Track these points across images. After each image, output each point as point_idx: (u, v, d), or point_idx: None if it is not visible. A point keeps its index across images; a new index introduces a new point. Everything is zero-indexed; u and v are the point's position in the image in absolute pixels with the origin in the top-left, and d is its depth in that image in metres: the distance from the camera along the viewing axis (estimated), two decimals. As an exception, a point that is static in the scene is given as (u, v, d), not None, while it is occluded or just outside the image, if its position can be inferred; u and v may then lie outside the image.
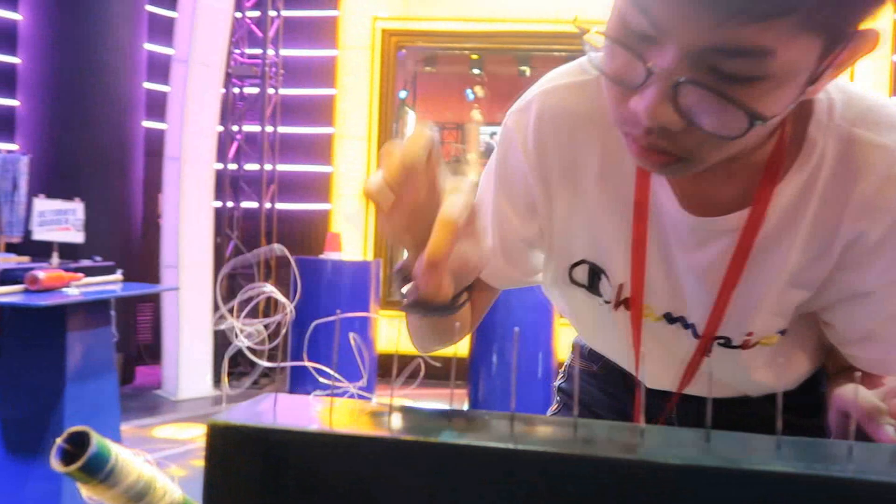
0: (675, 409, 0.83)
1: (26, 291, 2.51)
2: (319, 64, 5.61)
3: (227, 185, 5.40)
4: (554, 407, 1.02)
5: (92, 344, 2.62)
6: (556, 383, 1.04)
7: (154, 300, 5.39)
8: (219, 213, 5.27)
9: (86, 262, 4.64)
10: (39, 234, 4.54)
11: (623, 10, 0.53)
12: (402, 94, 7.64)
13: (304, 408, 0.56)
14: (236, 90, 5.45)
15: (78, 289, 2.62)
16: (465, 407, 4.21)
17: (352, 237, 5.31)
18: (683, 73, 0.51)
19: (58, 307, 2.47)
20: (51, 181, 4.78)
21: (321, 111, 5.59)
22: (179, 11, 4.87)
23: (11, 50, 5.14)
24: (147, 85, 5.35)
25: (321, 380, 0.56)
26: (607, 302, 0.78)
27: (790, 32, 0.48)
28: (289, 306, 0.59)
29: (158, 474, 0.47)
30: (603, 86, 0.59)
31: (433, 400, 4.86)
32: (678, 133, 0.53)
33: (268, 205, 5.53)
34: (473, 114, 8.59)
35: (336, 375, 0.52)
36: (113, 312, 3.10)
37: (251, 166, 5.53)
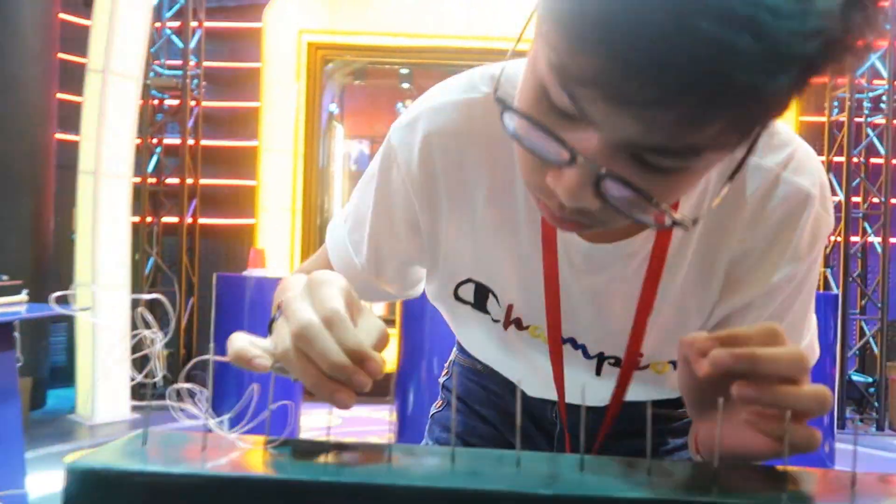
0: (560, 412, 0.84)
1: (-82, 315, 2.36)
2: (243, 76, 5.52)
3: (146, 199, 5.23)
4: (438, 403, 1.01)
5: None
6: (441, 380, 1.03)
7: (68, 320, 5.16)
8: (137, 229, 5.09)
9: (-8, 281, 4.41)
10: (-60, 252, 4.30)
11: (544, 81, 0.49)
12: (333, 107, 7.59)
13: (177, 446, 0.53)
14: (156, 102, 5.30)
15: (-24, 311, 2.48)
16: (394, 420, 4.18)
17: (277, 253, 5.21)
18: (606, 164, 0.48)
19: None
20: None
21: (245, 124, 5.49)
22: (95, 21, 4.70)
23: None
24: (60, 95, 5.14)
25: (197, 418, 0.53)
26: (496, 321, 0.78)
27: (721, 132, 0.46)
28: (159, 338, 0.56)
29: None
30: (515, 149, 0.56)
31: (364, 415, 4.81)
32: (593, 209, 0.52)
33: (189, 220, 5.38)
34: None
35: (194, 411, 0.50)
36: (17, 335, 2.94)
37: (172, 180, 5.38)
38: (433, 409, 1.02)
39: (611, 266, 0.70)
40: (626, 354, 0.74)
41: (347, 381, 0.50)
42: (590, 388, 0.80)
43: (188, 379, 0.53)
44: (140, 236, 5.15)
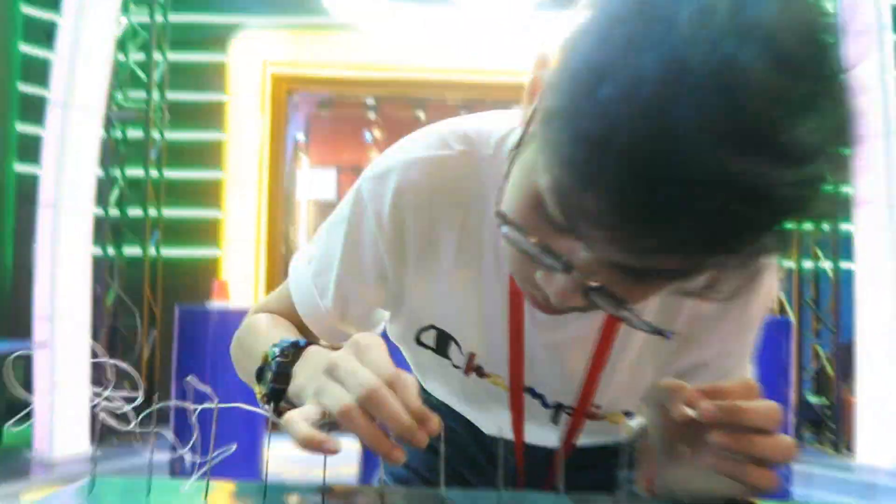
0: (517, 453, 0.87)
1: None
2: (207, 108, 5.52)
3: (107, 232, 5.18)
4: None
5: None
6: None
7: (26, 354, 5.06)
8: (98, 262, 5.03)
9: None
10: None
11: (542, 194, 0.49)
12: (299, 136, 7.61)
13: (123, 494, 0.56)
14: (118, 134, 5.28)
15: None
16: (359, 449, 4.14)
17: (241, 285, 5.19)
18: (596, 278, 0.51)
19: None
20: None
21: (209, 155, 5.48)
22: (57, 53, 4.69)
23: None
24: (20, 127, 5.10)
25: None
26: (457, 367, 0.81)
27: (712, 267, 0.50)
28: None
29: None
30: (506, 252, 0.58)
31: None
32: (579, 306, 0.55)
33: (152, 251, 5.34)
34: (372, 156, 8.67)
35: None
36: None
37: (134, 211, 5.34)
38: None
39: (573, 323, 0.73)
40: (576, 407, 0.79)
41: (410, 440, 0.55)
42: (547, 433, 0.83)
43: (149, 418, 0.56)
44: (101, 269, 5.09)
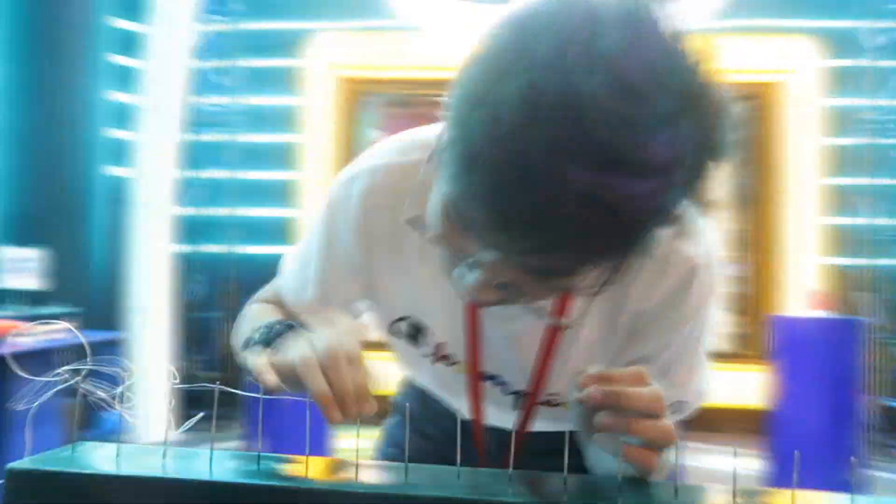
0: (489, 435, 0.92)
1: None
2: (280, 111, 5.75)
3: (190, 230, 5.49)
4: (393, 418, 1.12)
5: (32, 392, 2.68)
6: (393, 399, 1.12)
7: (123, 343, 5.42)
8: (181, 259, 5.34)
9: (49, 309, 4.69)
10: (4, 282, 4.60)
11: (446, 204, 0.57)
12: (373, 134, 7.81)
13: (96, 453, 0.66)
14: (199, 137, 5.58)
15: (19, 338, 2.69)
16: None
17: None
18: (501, 274, 0.58)
19: (-1, 356, 2.54)
20: (14, 230, 4.85)
21: (282, 156, 5.71)
22: (140, 61, 5.01)
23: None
24: (111, 132, 5.46)
25: None
26: (426, 355, 0.87)
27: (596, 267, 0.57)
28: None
29: None
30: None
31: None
32: (495, 300, 0.63)
33: (231, 249, 5.62)
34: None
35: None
36: (59, 359, 3.13)
37: (214, 211, 5.63)
38: (384, 423, 1.13)
39: (523, 317, 0.78)
40: (529, 393, 0.84)
41: (346, 407, 0.63)
42: (508, 418, 0.88)
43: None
44: (185, 265, 5.40)
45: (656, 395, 0.60)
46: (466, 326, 0.82)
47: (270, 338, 0.74)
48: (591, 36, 0.48)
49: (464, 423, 0.97)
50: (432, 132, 0.81)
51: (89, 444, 0.66)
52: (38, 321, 3.15)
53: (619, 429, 0.59)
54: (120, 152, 5.29)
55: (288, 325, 0.76)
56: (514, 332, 0.82)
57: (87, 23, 5.27)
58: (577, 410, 0.65)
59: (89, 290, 5.16)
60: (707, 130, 0.51)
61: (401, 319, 0.87)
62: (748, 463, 4.22)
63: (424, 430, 1.04)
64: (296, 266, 0.92)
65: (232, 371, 5.49)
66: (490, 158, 0.50)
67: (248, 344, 0.77)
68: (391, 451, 1.08)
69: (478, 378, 0.85)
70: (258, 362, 0.65)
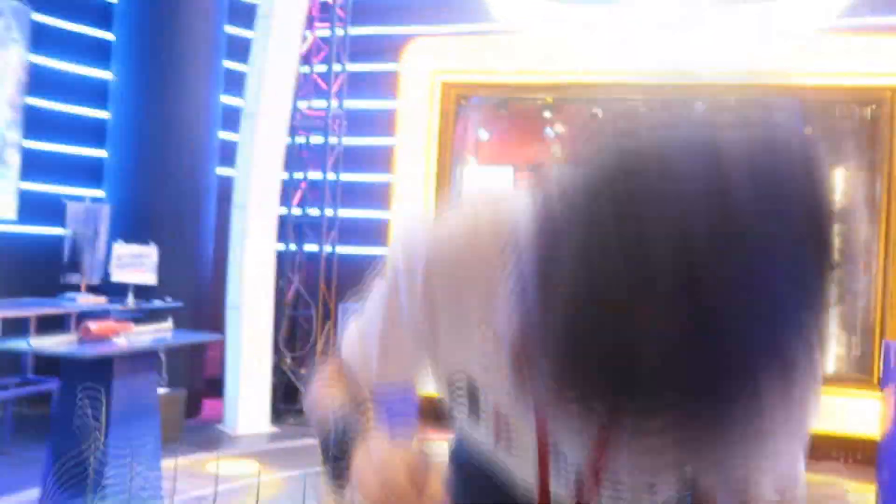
0: None
1: (80, 341, 2.77)
2: (381, 114, 5.86)
3: (290, 229, 5.68)
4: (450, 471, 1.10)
5: (136, 389, 2.85)
6: (450, 449, 1.09)
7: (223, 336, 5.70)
8: (281, 257, 5.54)
9: (158, 303, 4.99)
10: (117, 276, 4.92)
11: None
12: (475, 136, 7.83)
13: None
14: (302, 140, 5.76)
15: (126, 338, 2.86)
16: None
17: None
18: None
19: (105, 356, 2.72)
20: (129, 227, 5.18)
21: (381, 160, 5.82)
22: (250, 66, 5.22)
23: (103, 105, 5.63)
24: (222, 135, 5.73)
25: None
26: (487, 430, 0.85)
27: None
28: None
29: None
30: None
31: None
32: None
33: (328, 249, 5.78)
34: (553, 152, 8.64)
35: None
36: (163, 357, 3.34)
37: (313, 211, 5.81)
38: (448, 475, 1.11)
39: None
40: (587, 467, 0.80)
41: None
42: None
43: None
44: (284, 263, 5.60)
45: None
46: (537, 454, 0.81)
47: (339, 460, 0.75)
48: (710, 186, 0.45)
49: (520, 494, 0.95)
50: (500, 195, 0.79)
51: None
52: (145, 323, 3.33)
53: None
54: (230, 154, 5.54)
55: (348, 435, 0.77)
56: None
57: (202, 30, 5.55)
58: None
59: (195, 286, 5.44)
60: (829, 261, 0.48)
61: (460, 372, 0.85)
62: (858, 497, 3.96)
63: (476, 497, 1.01)
64: (357, 335, 0.92)
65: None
66: (587, 346, 0.47)
67: (324, 449, 0.79)
68: None
69: (546, 445, 0.82)
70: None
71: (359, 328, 0.92)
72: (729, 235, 0.44)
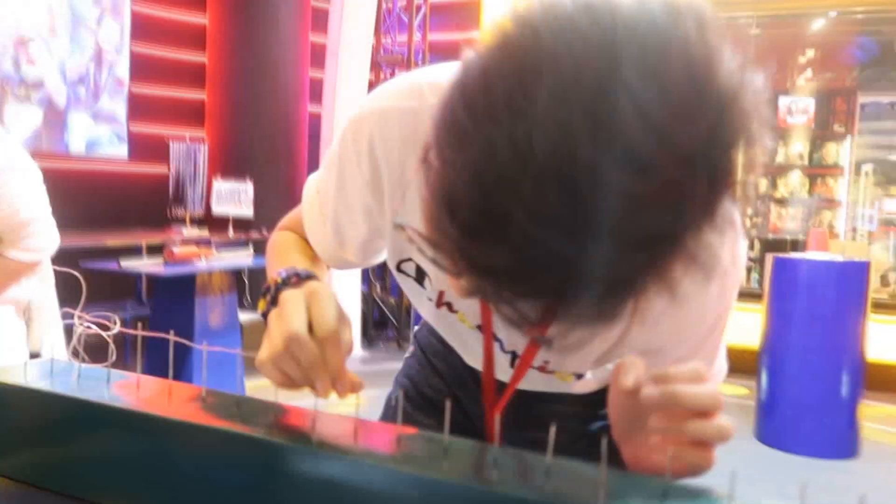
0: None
1: (165, 263, 3.04)
2: (463, 46, 5.83)
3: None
4: (409, 350, 1.13)
5: (218, 307, 3.11)
6: (415, 330, 1.13)
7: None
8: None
9: (255, 235, 5.32)
10: (217, 210, 5.27)
11: (436, 217, 0.51)
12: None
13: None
14: (384, 76, 5.85)
15: (206, 261, 3.12)
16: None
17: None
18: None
19: (188, 276, 2.98)
20: (227, 163, 5.51)
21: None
22: (331, 4, 5.33)
23: (202, 50, 5.94)
24: (311, 73, 5.91)
25: None
26: (430, 299, 0.88)
27: None
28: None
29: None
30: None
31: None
32: None
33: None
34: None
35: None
36: (246, 280, 3.58)
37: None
38: (405, 355, 1.15)
39: None
40: (522, 356, 0.83)
41: (320, 391, 0.63)
42: (504, 374, 0.88)
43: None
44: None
45: (715, 395, 0.58)
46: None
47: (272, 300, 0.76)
48: (600, 85, 0.43)
49: (466, 367, 0.98)
50: (444, 78, 0.80)
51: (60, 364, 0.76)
52: (225, 247, 3.60)
53: (675, 430, 0.58)
54: (320, 91, 5.71)
55: (297, 274, 0.77)
56: None
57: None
58: (617, 403, 0.65)
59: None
60: (705, 199, 0.47)
61: (408, 260, 0.87)
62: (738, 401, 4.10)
63: (437, 367, 1.07)
64: (317, 201, 0.92)
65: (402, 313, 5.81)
66: (471, 206, 0.46)
67: (265, 294, 0.79)
68: (403, 382, 1.13)
69: (492, 339, 0.85)
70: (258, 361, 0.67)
71: (315, 194, 0.92)
72: (611, 141, 0.43)
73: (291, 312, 0.64)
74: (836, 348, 3.42)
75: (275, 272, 0.80)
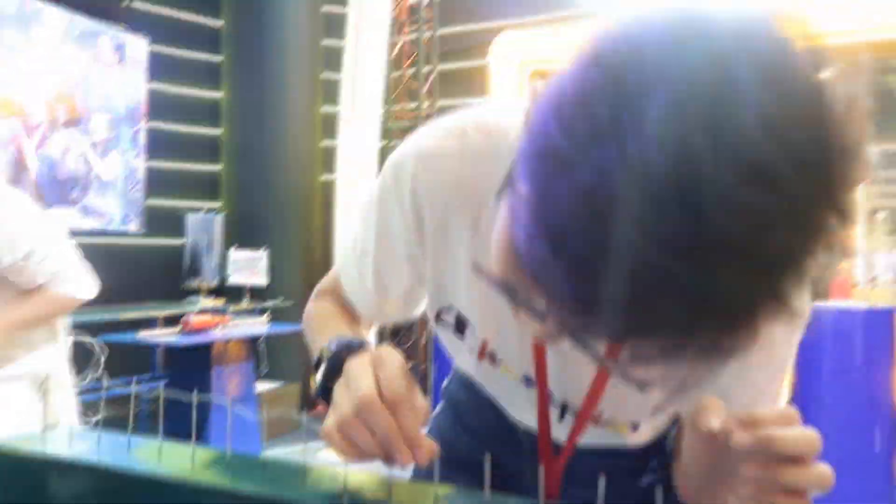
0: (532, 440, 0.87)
1: (182, 333, 3.03)
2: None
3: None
4: (440, 406, 1.07)
5: (234, 376, 3.09)
6: (443, 385, 1.08)
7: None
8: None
9: (271, 303, 5.32)
10: (233, 279, 5.29)
11: (517, 251, 0.47)
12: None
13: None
14: (394, 143, 5.94)
15: (223, 330, 3.11)
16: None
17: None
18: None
19: (204, 345, 2.97)
20: (242, 233, 5.56)
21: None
22: (343, 75, 5.46)
23: (216, 123, 6.07)
24: (324, 142, 6.02)
25: None
26: (471, 351, 0.84)
27: None
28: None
29: None
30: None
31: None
32: None
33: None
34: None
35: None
36: (263, 347, 3.56)
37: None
38: (434, 412, 1.09)
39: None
40: (581, 411, 0.79)
41: (394, 457, 0.58)
42: (555, 428, 0.84)
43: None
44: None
45: (810, 437, 0.53)
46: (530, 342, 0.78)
47: (330, 375, 0.70)
48: (717, 96, 0.39)
49: (504, 420, 0.92)
50: (491, 116, 0.75)
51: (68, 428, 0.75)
52: (241, 315, 3.59)
53: (771, 479, 0.54)
54: (332, 160, 5.80)
55: (349, 345, 0.72)
56: (564, 348, 0.77)
57: (297, 44, 5.86)
58: (692, 447, 0.61)
59: (306, 285, 5.73)
60: (824, 227, 0.42)
61: (449, 308, 0.82)
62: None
63: (468, 423, 1.01)
64: (354, 255, 0.88)
65: (428, 359, 5.78)
66: (579, 236, 0.42)
67: (317, 367, 0.74)
68: (448, 458, 1.07)
69: (545, 391, 0.80)
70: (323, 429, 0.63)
71: (354, 251, 0.88)
72: (734, 155, 0.39)
73: (359, 377, 0.59)
74: (867, 400, 3.33)
75: (321, 344, 0.76)
